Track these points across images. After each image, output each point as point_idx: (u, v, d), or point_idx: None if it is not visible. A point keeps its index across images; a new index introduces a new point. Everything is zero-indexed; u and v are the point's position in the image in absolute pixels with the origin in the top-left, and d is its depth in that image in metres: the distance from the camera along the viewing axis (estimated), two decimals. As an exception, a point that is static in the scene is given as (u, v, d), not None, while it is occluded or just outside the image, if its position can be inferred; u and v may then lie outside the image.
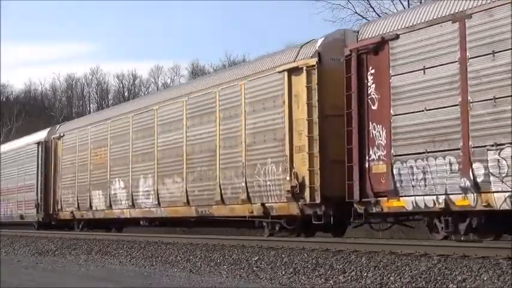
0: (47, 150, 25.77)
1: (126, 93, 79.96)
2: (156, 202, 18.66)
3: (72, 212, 23.79)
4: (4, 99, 79.65)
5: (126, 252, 14.53)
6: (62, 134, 24.89)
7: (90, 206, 22.44)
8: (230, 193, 15.80)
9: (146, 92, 75.56)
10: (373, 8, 28.82)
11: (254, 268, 10.58)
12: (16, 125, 60.10)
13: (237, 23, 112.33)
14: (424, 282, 8.15)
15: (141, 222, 20.14)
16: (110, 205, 21.22)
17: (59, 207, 24.65)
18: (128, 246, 15.24)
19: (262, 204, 14.78)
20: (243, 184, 15.29)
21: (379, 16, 26.76)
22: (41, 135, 27.06)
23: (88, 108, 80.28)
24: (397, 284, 8.31)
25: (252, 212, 15.16)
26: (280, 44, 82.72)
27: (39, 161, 26.06)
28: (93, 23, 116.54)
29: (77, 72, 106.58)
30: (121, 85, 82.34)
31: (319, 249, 11.28)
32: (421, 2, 25.44)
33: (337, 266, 9.68)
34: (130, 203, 20.00)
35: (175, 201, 17.88)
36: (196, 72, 70.22)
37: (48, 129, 27.13)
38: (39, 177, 26.02)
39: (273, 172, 14.54)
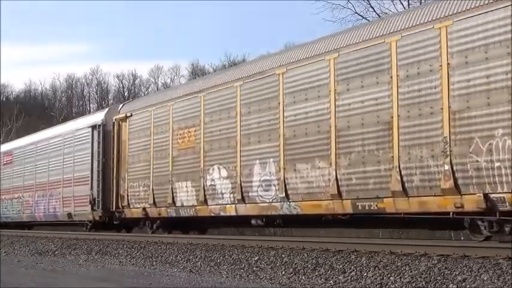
0: (105, 134, 21.29)
1: (126, 93, 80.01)
2: (283, 195, 14.25)
3: (144, 209, 18.99)
4: (4, 99, 79.77)
5: (126, 252, 14.54)
6: (128, 114, 20.08)
7: (173, 202, 17.68)
8: (418, 180, 11.56)
9: (146, 92, 75.47)
10: (373, 8, 28.87)
11: (254, 268, 10.58)
12: (16, 125, 60.10)
13: (237, 23, 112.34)
14: (424, 282, 8.15)
15: (254, 222, 15.67)
16: (205, 200, 16.55)
17: (125, 203, 19.83)
18: (127, 246, 15.25)
19: (485, 196, 10.45)
20: (446, 167, 11.01)
21: (379, 16, 26.78)
22: (97, 117, 22.50)
23: (88, 108, 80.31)
24: (397, 284, 8.31)
25: (462, 207, 10.96)
26: (280, 44, 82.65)
27: (95, 148, 21.65)
28: (93, 23, 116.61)
29: (77, 72, 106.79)
30: (121, 85, 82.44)
31: (319, 249, 11.29)
32: (421, 2, 25.46)
33: (337, 266, 9.68)
34: (238, 197, 15.49)
35: (316, 193, 13.54)
36: (196, 72, 70.19)
37: (105, 110, 22.64)
38: (95, 167, 21.56)
39: (508, 148, 10.24)
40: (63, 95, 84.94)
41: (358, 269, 9.31)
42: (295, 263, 10.33)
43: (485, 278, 7.78)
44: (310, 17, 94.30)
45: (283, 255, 11.07)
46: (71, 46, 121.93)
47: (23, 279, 10.42)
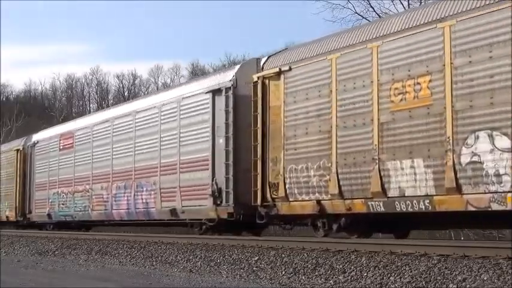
0: (236, 100, 15.56)
1: (126, 93, 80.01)
2: None
3: (318, 203, 13.31)
4: (4, 99, 79.72)
5: (126, 252, 14.54)
6: (284, 69, 14.29)
7: (383, 190, 11.98)
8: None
9: (146, 92, 75.51)
10: (373, 8, 28.84)
11: (254, 268, 10.58)
12: (16, 125, 60.08)
13: (237, 23, 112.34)
14: (424, 282, 8.15)
15: None
16: (457, 186, 10.73)
17: (280, 193, 14.09)
18: (127, 246, 15.25)
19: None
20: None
21: (379, 16, 26.78)
22: (221, 78, 16.32)
23: (88, 108, 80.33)
24: (397, 284, 8.31)
25: None
26: (280, 44, 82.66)
27: (220, 120, 15.77)
28: (93, 23, 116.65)
29: (77, 72, 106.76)
30: (121, 85, 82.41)
31: (319, 249, 11.29)
32: (421, 3, 25.47)
33: (337, 266, 9.68)
34: None
35: None
36: (196, 72, 70.17)
37: (235, 68, 16.38)
38: (220, 147, 15.70)
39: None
40: (63, 95, 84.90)
41: (358, 269, 9.31)
42: (295, 263, 10.33)
43: (485, 278, 7.78)
44: (310, 17, 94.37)
45: (283, 255, 11.07)
46: (71, 46, 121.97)
47: (23, 279, 10.42)
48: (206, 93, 16.34)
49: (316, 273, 9.56)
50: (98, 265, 12.88)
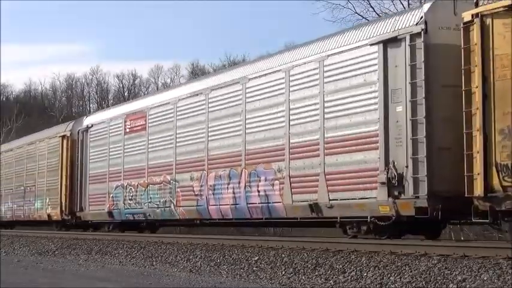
0: (428, 51, 11.26)
1: (126, 93, 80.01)
2: None
3: None
4: (4, 99, 79.67)
5: (126, 252, 14.54)
6: None
7: None
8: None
9: (146, 92, 75.60)
10: (373, 8, 28.79)
11: (254, 268, 10.58)
12: (16, 124, 60.06)
13: (237, 23, 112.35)
14: (424, 282, 8.15)
15: None
16: None
17: None
18: (127, 246, 15.24)
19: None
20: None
21: (379, 16, 26.80)
22: (404, 20, 11.86)
23: (88, 108, 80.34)
24: (397, 284, 8.31)
25: None
26: (280, 44, 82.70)
27: (396, 77, 11.61)
28: (93, 23, 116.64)
29: (77, 72, 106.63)
30: (121, 85, 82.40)
31: (319, 249, 11.28)
32: (421, 2, 25.46)
33: (337, 266, 9.68)
34: None
35: None
36: (196, 72, 70.23)
37: (425, 6, 11.66)
38: (398, 115, 11.51)
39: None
40: (63, 95, 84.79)
41: (358, 269, 9.31)
42: (295, 263, 10.33)
43: (485, 278, 7.78)
44: (310, 17, 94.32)
45: (283, 255, 11.07)
46: (71, 46, 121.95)
47: (23, 279, 10.42)
48: (371, 45, 12.15)
49: (316, 273, 9.56)
50: (98, 265, 12.88)
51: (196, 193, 16.41)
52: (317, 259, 10.36)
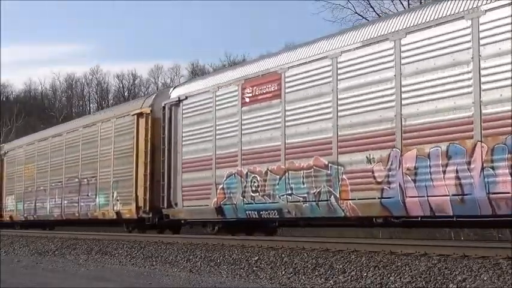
0: None
1: (126, 93, 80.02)
2: None
3: None
4: (4, 99, 79.70)
5: (126, 252, 14.54)
6: None
7: None
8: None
9: (146, 92, 75.57)
10: (373, 8, 28.85)
11: (254, 268, 10.58)
12: (16, 124, 60.09)
13: (237, 23, 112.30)
14: (424, 282, 8.15)
15: None
16: None
17: None
18: (127, 246, 15.24)
19: None
20: None
21: (379, 16, 26.79)
22: None
23: (88, 108, 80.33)
24: (397, 284, 8.31)
25: None
26: (280, 44, 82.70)
27: None
28: (93, 23, 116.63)
29: (77, 72, 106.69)
30: (121, 85, 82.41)
31: (319, 249, 11.29)
32: (421, 2, 25.49)
33: (337, 266, 9.68)
34: None
35: None
36: (196, 72, 70.19)
37: None
38: None
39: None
40: (63, 95, 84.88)
41: (358, 269, 9.32)
42: (295, 263, 10.33)
43: (485, 278, 7.78)
44: (310, 17, 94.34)
45: (283, 255, 11.08)
46: (71, 46, 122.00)
47: (23, 279, 10.42)
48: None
49: (316, 273, 9.56)
50: (98, 265, 12.88)
51: (379, 180, 11.98)
52: (317, 259, 10.36)
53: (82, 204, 22.33)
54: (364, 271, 9.13)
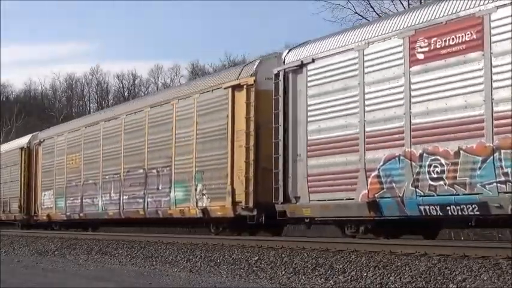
0: None
1: (126, 93, 79.99)
2: None
3: None
4: (4, 99, 79.68)
5: (126, 252, 14.53)
6: None
7: None
8: None
9: (146, 92, 75.55)
10: (373, 8, 28.81)
11: (254, 268, 10.58)
12: (16, 124, 60.07)
13: (237, 23, 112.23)
14: (424, 282, 8.15)
15: None
16: None
17: None
18: (127, 246, 15.24)
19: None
20: None
21: (379, 16, 26.80)
22: None
23: (88, 108, 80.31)
24: (397, 284, 8.31)
25: None
26: (280, 44, 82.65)
27: None
28: (93, 23, 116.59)
29: (77, 72, 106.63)
30: (121, 85, 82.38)
31: (319, 249, 11.28)
32: (421, 3, 25.49)
33: (337, 266, 9.68)
34: None
35: None
36: (196, 72, 70.19)
37: None
38: None
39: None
40: (63, 95, 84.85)
41: (358, 269, 9.31)
42: (295, 263, 10.33)
43: (485, 278, 7.78)
44: (310, 17, 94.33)
45: (283, 255, 11.07)
46: (71, 46, 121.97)
47: (23, 279, 10.42)
48: None
49: (316, 273, 9.56)
50: (98, 265, 12.87)
51: None
52: (317, 259, 10.35)
53: (149, 200, 18.57)
54: (364, 271, 9.12)
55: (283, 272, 9.95)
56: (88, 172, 22.32)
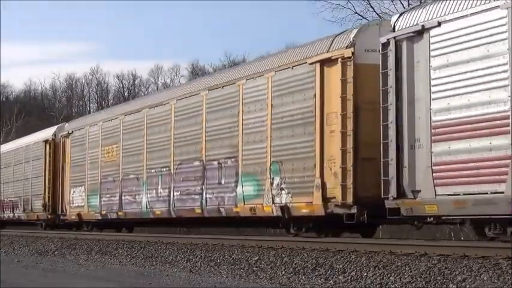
0: None
1: (126, 93, 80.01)
2: None
3: None
4: (4, 99, 79.72)
5: (126, 252, 14.53)
6: None
7: None
8: None
9: (146, 92, 75.55)
10: (373, 8, 28.81)
11: (254, 268, 10.58)
12: (16, 124, 60.08)
13: (237, 23, 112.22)
14: (424, 282, 8.15)
15: None
16: None
17: None
18: (127, 246, 15.24)
19: None
20: None
21: (379, 16, 26.82)
22: None
23: (88, 108, 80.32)
24: (397, 284, 8.31)
25: None
26: (280, 44, 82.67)
27: None
28: (93, 23, 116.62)
29: (77, 72, 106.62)
30: (121, 85, 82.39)
31: (319, 249, 11.28)
32: (421, 2, 25.49)
33: (337, 266, 9.67)
34: None
35: None
36: (196, 72, 70.21)
37: None
38: None
39: None
40: (63, 95, 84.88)
41: (358, 269, 9.31)
42: (295, 263, 10.32)
43: (485, 278, 7.78)
44: (310, 17, 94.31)
45: (283, 255, 11.07)
46: (71, 46, 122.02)
47: (23, 279, 10.42)
48: None
49: (316, 273, 9.56)
50: (98, 265, 12.87)
51: None
52: (317, 259, 10.35)
53: (209, 196, 16.14)
54: (364, 271, 9.12)
55: (283, 272, 9.95)
56: (128, 166, 19.74)
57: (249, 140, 15.04)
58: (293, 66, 14.05)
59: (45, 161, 24.79)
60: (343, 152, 12.62)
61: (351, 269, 9.39)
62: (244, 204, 15.04)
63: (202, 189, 16.39)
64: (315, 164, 13.24)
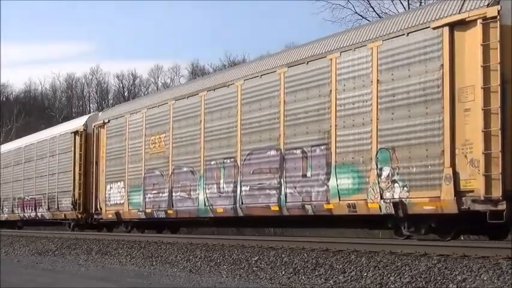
0: None
1: (126, 93, 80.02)
2: None
3: None
4: (4, 99, 79.74)
5: (126, 252, 14.53)
6: None
7: None
8: None
9: (146, 92, 75.56)
10: (373, 8, 28.87)
11: (254, 268, 10.58)
12: (16, 124, 60.10)
13: (237, 23, 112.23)
14: (424, 282, 8.15)
15: None
16: None
17: None
18: (127, 246, 15.24)
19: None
20: None
21: (379, 16, 26.82)
22: None
23: (88, 108, 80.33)
24: (397, 284, 8.31)
25: None
26: (280, 44, 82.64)
27: None
28: (94, 23, 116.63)
29: (77, 72, 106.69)
30: (121, 85, 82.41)
31: (319, 249, 11.28)
32: (421, 3, 25.50)
33: (337, 266, 9.68)
34: None
35: None
36: (196, 72, 70.22)
37: None
38: None
39: None
40: (63, 95, 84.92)
41: (358, 269, 9.31)
42: (295, 263, 10.33)
43: (485, 278, 7.78)
44: (310, 17, 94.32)
45: (283, 255, 11.07)
46: (71, 46, 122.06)
47: (23, 279, 10.42)
48: None
49: (316, 273, 9.56)
50: (98, 265, 12.87)
51: None
52: (317, 259, 10.35)
53: (289, 191, 13.98)
54: (364, 271, 9.12)
55: (283, 272, 9.95)
56: (180, 157, 17.35)
57: (345, 123, 12.81)
58: (408, 33, 11.78)
59: (75, 154, 22.58)
60: (486, 135, 10.35)
61: (351, 269, 9.40)
62: (339, 199, 12.81)
63: (280, 182, 14.17)
64: (442, 151, 11.00)
